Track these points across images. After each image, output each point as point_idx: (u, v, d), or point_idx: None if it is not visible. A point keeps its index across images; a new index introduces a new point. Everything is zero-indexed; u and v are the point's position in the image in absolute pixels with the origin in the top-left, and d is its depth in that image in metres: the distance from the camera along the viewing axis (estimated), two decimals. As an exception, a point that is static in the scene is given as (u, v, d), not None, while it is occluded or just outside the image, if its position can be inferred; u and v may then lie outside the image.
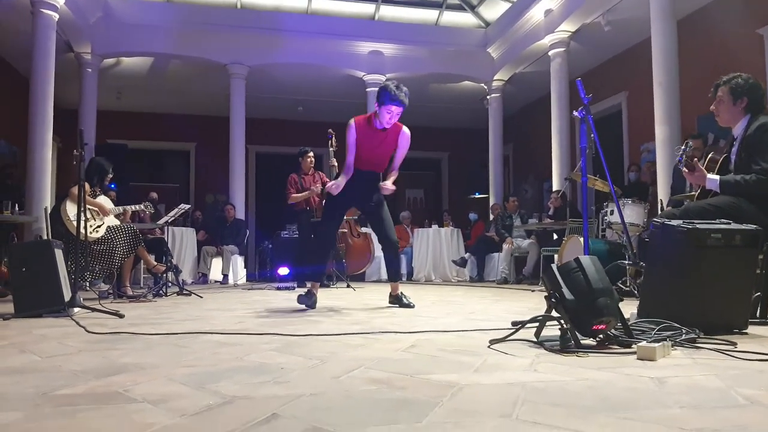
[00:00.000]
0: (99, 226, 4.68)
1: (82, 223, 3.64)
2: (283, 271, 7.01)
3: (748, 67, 6.28)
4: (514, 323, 2.40)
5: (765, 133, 2.77)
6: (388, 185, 3.70)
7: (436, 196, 13.94)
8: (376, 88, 11.14)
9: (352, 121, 3.74)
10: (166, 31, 9.17)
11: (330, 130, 6.91)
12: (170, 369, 1.59)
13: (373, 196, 3.81)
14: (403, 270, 9.84)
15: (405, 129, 3.78)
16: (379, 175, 3.89)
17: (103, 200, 4.89)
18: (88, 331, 2.46)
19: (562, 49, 8.45)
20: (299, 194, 6.66)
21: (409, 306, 3.77)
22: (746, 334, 2.30)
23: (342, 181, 3.66)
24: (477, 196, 11.08)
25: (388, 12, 10.26)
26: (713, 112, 3.03)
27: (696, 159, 3.46)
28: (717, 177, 2.85)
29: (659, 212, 5.38)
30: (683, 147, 3.51)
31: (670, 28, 6.40)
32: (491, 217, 9.58)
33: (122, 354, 1.87)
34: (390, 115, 3.63)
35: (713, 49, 7.09)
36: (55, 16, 7.19)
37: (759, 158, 2.76)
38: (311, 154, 6.87)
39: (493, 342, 2.02)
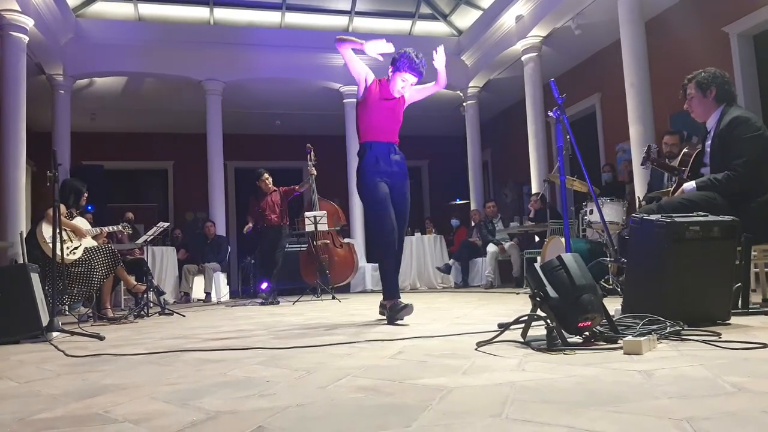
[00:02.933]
0: (76, 248, 4.59)
1: (59, 246, 3.57)
2: (266, 285, 6.95)
3: (716, 64, 6.38)
4: (500, 325, 2.40)
5: (736, 128, 2.81)
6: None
7: (418, 203, 13.97)
8: (353, 100, 11.20)
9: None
10: (139, 50, 9.10)
11: (309, 145, 6.96)
12: (152, 388, 1.55)
13: (400, 172, 3.43)
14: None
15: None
16: (396, 147, 3.48)
17: (80, 221, 4.81)
18: (68, 355, 2.40)
19: (535, 54, 8.56)
20: (250, 224, 7.10)
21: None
22: (729, 324, 2.32)
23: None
24: (458, 202, 11.13)
25: (362, 23, 10.31)
26: (688, 111, 3.08)
27: (668, 160, 3.52)
28: (693, 183, 2.89)
29: (637, 209, 5.45)
30: (645, 150, 3.58)
31: (638, 29, 6.53)
32: (472, 223, 9.62)
33: (103, 375, 1.82)
34: (404, 83, 3.36)
35: (681, 49, 7.24)
36: (25, 38, 7.09)
37: (730, 155, 2.81)
38: (266, 175, 6.92)
39: (480, 344, 2.01)
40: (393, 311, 3.22)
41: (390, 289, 3.36)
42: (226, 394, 1.41)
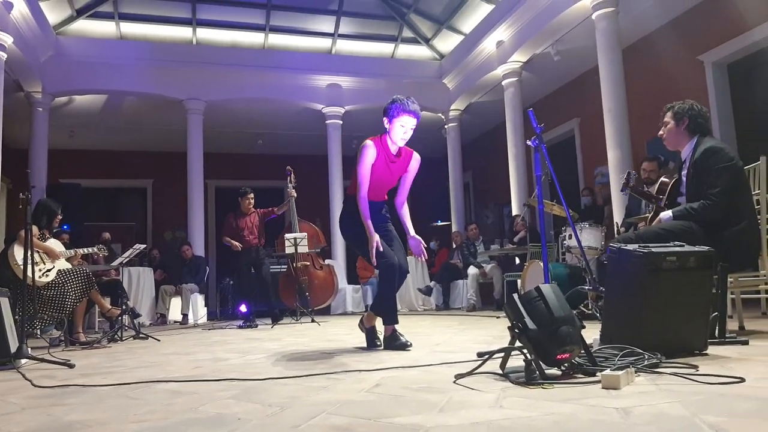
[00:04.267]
0: (49, 270, 4.48)
1: (31, 268, 3.47)
2: (245, 308, 6.85)
3: (691, 91, 6.59)
4: (479, 354, 2.38)
5: (710, 158, 2.87)
6: (420, 245, 3.50)
7: (399, 225, 13.95)
8: (336, 121, 11.18)
9: (369, 141, 3.25)
10: (120, 68, 9.03)
11: (288, 167, 6.93)
12: (118, 425, 1.49)
13: (386, 225, 3.50)
14: (368, 300, 9.75)
15: (416, 154, 3.46)
16: (385, 205, 3.53)
17: (54, 243, 4.70)
18: (35, 385, 2.31)
19: (515, 79, 8.69)
20: (232, 240, 6.67)
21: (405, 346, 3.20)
22: (706, 355, 2.33)
23: (370, 226, 3.22)
24: (439, 223, 11.14)
25: (345, 46, 10.39)
26: (661, 138, 3.14)
27: (646, 186, 3.57)
28: (669, 212, 2.94)
29: (615, 234, 5.50)
30: (625, 177, 3.63)
31: (616, 56, 6.67)
32: (454, 245, 9.63)
33: (68, 410, 1.75)
34: (404, 129, 3.24)
35: (658, 76, 7.41)
36: (4, 56, 7.01)
37: (705, 185, 2.85)
38: (251, 195, 6.83)
39: (458, 377, 1.98)
40: (389, 342, 3.27)
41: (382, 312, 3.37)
42: (195, 435, 1.36)
